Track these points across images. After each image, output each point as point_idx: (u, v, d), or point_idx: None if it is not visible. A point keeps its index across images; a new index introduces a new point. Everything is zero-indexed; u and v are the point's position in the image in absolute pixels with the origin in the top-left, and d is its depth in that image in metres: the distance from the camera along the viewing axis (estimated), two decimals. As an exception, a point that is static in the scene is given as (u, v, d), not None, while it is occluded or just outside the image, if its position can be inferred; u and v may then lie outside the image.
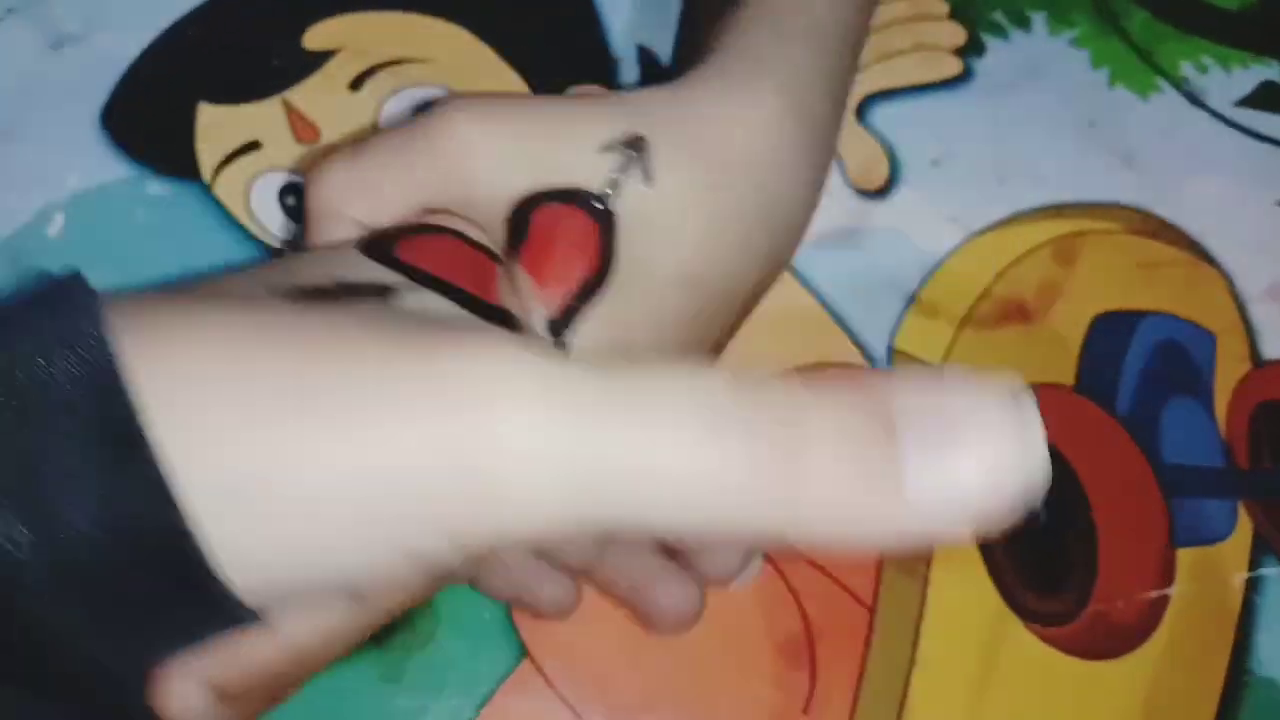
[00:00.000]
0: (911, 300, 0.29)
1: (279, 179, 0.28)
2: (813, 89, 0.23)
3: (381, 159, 0.20)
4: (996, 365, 0.29)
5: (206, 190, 0.28)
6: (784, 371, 0.14)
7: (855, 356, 0.29)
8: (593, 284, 0.19)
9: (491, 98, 0.21)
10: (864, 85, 0.31)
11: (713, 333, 0.22)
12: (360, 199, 0.20)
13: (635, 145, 0.20)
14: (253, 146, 0.28)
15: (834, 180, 0.30)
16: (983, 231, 0.30)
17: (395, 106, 0.29)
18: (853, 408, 0.14)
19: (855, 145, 0.31)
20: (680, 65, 0.25)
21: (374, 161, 0.20)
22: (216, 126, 0.28)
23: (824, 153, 0.23)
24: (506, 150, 0.20)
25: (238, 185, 0.28)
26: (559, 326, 0.19)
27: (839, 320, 0.29)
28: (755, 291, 0.23)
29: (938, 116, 0.31)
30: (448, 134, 0.20)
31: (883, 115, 0.31)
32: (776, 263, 0.23)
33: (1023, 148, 0.31)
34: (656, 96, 0.21)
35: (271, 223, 0.28)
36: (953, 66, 0.32)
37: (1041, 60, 0.32)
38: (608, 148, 0.20)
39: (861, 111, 0.31)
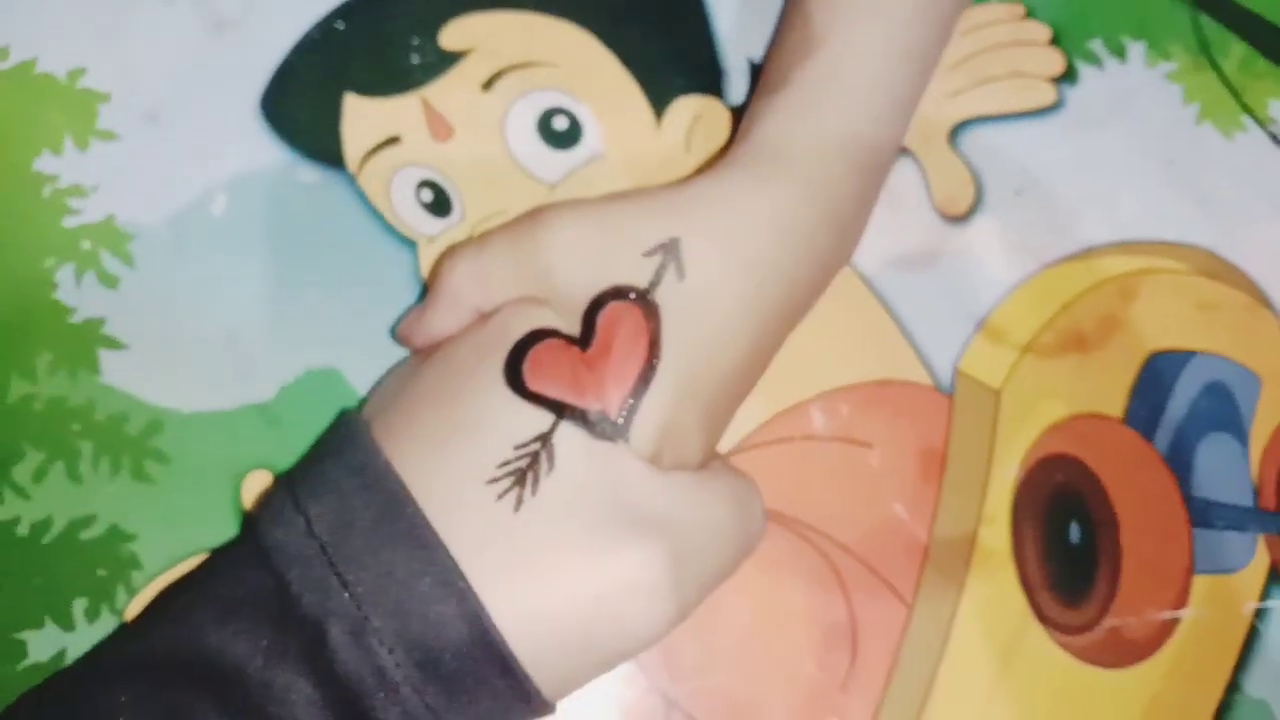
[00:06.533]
0: (980, 325, 0.30)
1: (417, 174, 0.29)
2: (835, 172, 0.25)
3: (497, 259, 0.24)
4: (1051, 392, 0.30)
5: (353, 180, 0.29)
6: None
7: (921, 375, 0.30)
8: (646, 375, 0.23)
9: (577, 209, 0.24)
10: (959, 110, 0.31)
11: (756, 372, 0.25)
12: (480, 289, 0.24)
13: (670, 248, 0.23)
14: (393, 141, 0.29)
15: (918, 203, 0.31)
16: (1055, 263, 0.31)
17: (523, 108, 0.30)
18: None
19: (944, 170, 0.31)
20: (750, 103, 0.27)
21: (492, 260, 0.24)
22: (361, 119, 0.29)
23: (846, 219, 0.26)
24: (580, 257, 0.24)
25: (380, 177, 0.29)
26: (624, 421, 0.23)
27: (909, 339, 0.30)
28: (787, 327, 0.26)
29: (1026, 145, 0.31)
30: (544, 244, 0.24)
31: (974, 140, 0.31)
32: (800, 312, 0.26)
33: (1102, 183, 0.31)
34: (693, 193, 0.24)
35: (410, 216, 0.29)
36: (1047, 95, 0.32)
37: (1133, 93, 0.32)
38: (650, 252, 0.23)
39: (954, 135, 0.31)
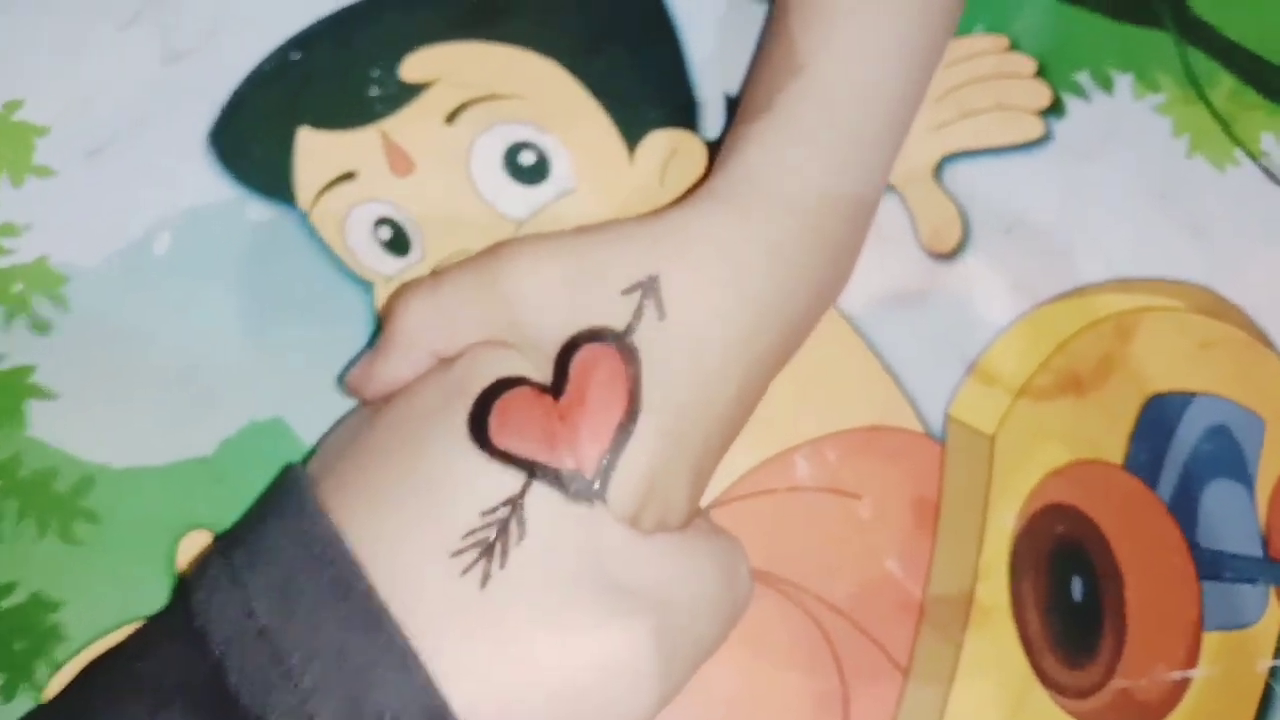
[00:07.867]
0: (971, 368, 0.29)
1: (374, 210, 0.28)
2: (824, 201, 0.23)
3: (457, 297, 0.22)
4: (1048, 438, 0.29)
5: (305, 218, 0.28)
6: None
7: (911, 421, 0.29)
8: (625, 426, 0.21)
9: (545, 243, 0.22)
10: (943, 144, 0.30)
11: (742, 418, 0.23)
12: (438, 332, 0.22)
13: (649, 286, 0.21)
14: (349, 176, 0.28)
15: (905, 241, 0.30)
16: (1048, 302, 0.29)
17: (488, 142, 0.29)
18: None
19: (930, 206, 0.30)
20: (728, 131, 0.26)
21: (451, 299, 0.22)
22: (316, 153, 0.28)
23: (837, 251, 0.24)
24: (550, 296, 0.22)
25: (335, 214, 0.28)
26: (601, 481, 0.21)
27: (898, 383, 0.29)
28: (775, 369, 0.24)
29: (1013, 180, 0.30)
30: (509, 281, 0.22)
31: (960, 176, 0.30)
32: (790, 351, 0.24)
33: (1093, 218, 0.30)
34: (673, 226, 0.22)
35: (367, 255, 0.28)
36: (1034, 128, 0.31)
37: (1121, 125, 0.31)
38: (628, 291, 0.21)
39: (940, 170, 0.30)
